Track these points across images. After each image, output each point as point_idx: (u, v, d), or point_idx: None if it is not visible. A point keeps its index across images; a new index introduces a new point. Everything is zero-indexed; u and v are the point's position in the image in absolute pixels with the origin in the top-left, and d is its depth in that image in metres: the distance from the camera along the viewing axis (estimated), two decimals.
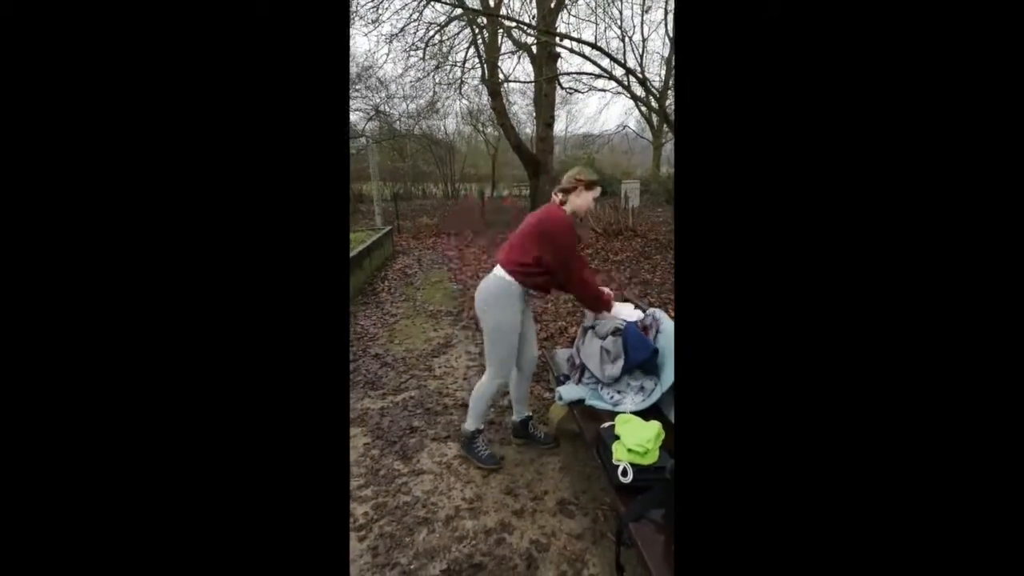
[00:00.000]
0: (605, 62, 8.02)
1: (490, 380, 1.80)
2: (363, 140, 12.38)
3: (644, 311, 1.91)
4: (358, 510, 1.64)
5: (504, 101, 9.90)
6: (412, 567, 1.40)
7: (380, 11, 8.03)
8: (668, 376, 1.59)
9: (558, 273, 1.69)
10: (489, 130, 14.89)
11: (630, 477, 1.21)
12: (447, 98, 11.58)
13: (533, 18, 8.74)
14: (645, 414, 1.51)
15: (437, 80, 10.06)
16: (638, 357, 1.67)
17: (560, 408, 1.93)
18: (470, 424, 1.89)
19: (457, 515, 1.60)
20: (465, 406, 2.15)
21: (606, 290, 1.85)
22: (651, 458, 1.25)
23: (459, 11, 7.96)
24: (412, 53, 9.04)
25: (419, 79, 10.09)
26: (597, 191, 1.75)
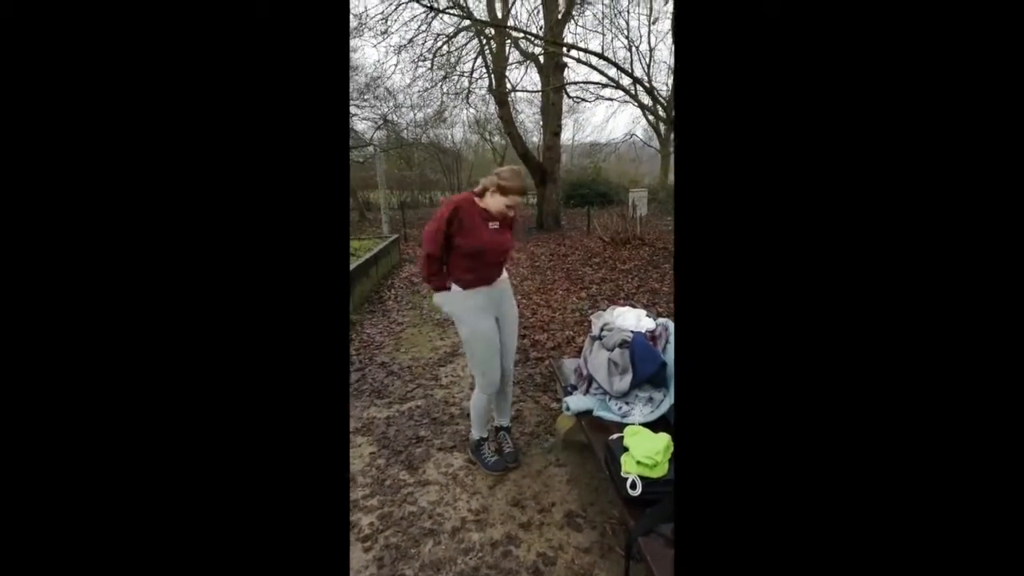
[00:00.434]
0: (612, 71, 8.07)
1: (478, 390, 1.83)
2: (371, 149, 12.50)
3: (655, 320, 1.89)
4: (363, 520, 1.63)
5: (511, 110, 9.98)
6: None
7: (389, 22, 8.17)
8: None
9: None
10: (496, 139, 15.00)
11: (639, 490, 1.20)
12: (454, 107, 11.71)
13: (540, 29, 8.83)
14: (654, 426, 1.49)
15: (445, 90, 10.19)
16: (646, 371, 1.65)
17: (568, 419, 1.91)
18: (474, 433, 1.93)
19: (463, 527, 1.59)
20: None
21: (440, 284, 1.72)
22: (660, 471, 1.23)
23: (467, 22, 8.06)
24: (420, 63, 9.17)
25: (427, 89, 10.23)
26: (512, 199, 1.64)
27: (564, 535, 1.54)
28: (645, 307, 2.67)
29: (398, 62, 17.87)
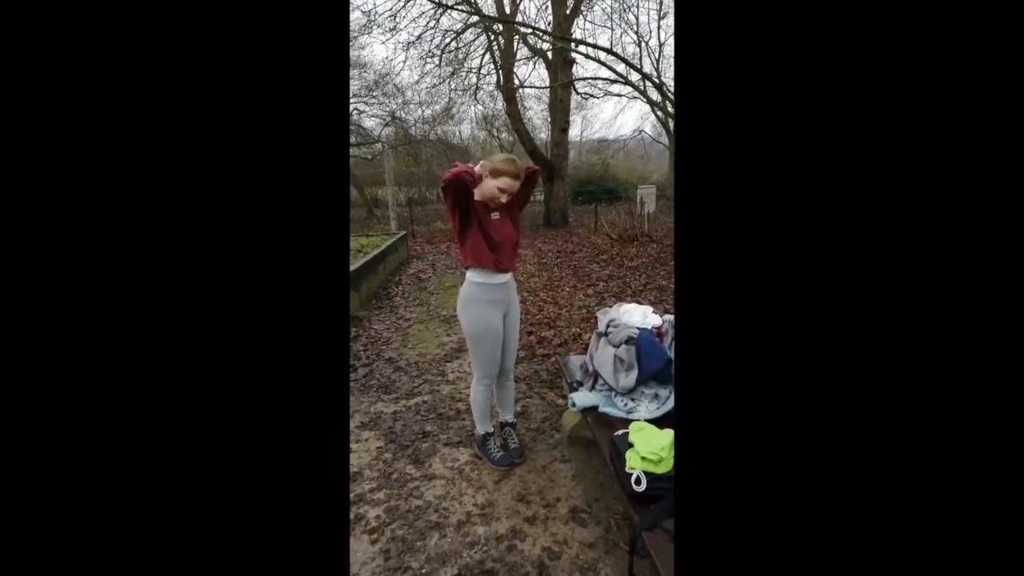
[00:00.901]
0: (621, 67, 8.01)
1: (476, 383, 1.86)
2: (379, 146, 12.54)
3: (661, 316, 1.89)
4: (370, 513, 1.65)
5: (519, 106, 9.95)
6: (423, 571, 1.40)
7: (398, 19, 8.17)
8: None
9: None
10: (504, 135, 14.96)
11: (644, 486, 1.20)
12: (462, 104, 11.69)
13: (549, 24, 8.78)
14: (660, 422, 1.49)
15: (453, 86, 10.18)
16: (652, 367, 1.65)
17: (573, 415, 1.92)
18: (479, 428, 1.94)
19: (469, 520, 1.60)
20: None
21: (463, 168, 1.55)
22: (665, 466, 1.23)
23: (475, 18, 8.04)
24: (428, 60, 9.17)
25: (435, 85, 10.24)
26: (503, 181, 1.60)
27: (569, 530, 1.54)
28: (652, 304, 2.66)
29: (406, 59, 17.87)
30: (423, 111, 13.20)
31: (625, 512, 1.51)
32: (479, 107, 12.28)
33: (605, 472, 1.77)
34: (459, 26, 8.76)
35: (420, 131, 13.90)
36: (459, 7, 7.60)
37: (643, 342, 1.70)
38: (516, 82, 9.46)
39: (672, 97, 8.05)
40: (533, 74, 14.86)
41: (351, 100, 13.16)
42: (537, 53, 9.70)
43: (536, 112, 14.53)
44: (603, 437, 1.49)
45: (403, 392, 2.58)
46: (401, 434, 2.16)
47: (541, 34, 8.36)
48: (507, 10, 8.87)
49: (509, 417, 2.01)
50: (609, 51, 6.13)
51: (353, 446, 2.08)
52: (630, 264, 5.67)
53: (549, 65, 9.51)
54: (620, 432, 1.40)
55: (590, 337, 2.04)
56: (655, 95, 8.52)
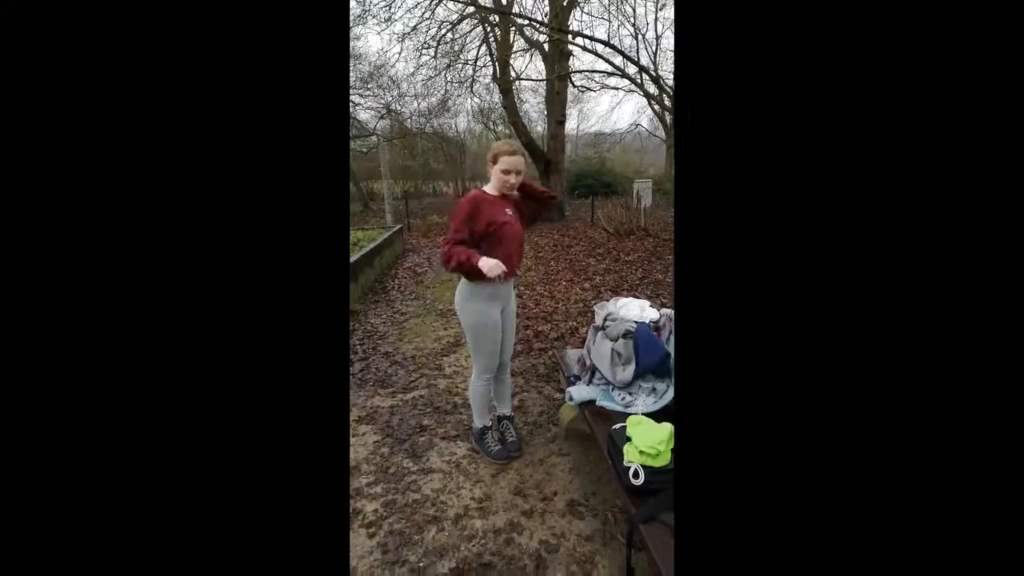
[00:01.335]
0: (618, 60, 7.96)
1: (476, 376, 1.85)
2: (374, 139, 12.46)
3: (658, 310, 1.89)
4: (368, 507, 1.65)
5: (515, 99, 9.89)
6: (421, 565, 1.40)
7: (393, 10, 8.08)
8: None
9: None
10: (500, 128, 14.88)
11: (641, 479, 1.20)
12: (458, 96, 11.60)
13: (545, 16, 8.71)
14: (657, 416, 1.50)
15: (448, 78, 10.10)
16: (649, 361, 1.65)
17: (571, 408, 1.92)
18: (477, 422, 1.94)
19: (466, 514, 1.60)
20: None
21: (468, 256, 1.53)
22: (663, 460, 1.23)
23: (471, 9, 7.96)
24: (424, 52, 9.08)
25: (431, 78, 10.14)
26: (503, 161, 1.58)
27: (566, 523, 1.55)
28: (649, 298, 2.66)
29: (402, 50, 17.72)
30: (419, 104, 13.10)
31: (623, 505, 1.52)
32: (475, 100, 12.21)
33: (602, 466, 1.77)
34: (455, 17, 8.67)
35: (416, 124, 13.80)
36: None
37: (640, 336, 1.70)
38: (512, 74, 9.40)
39: (669, 91, 8.03)
40: (530, 66, 14.84)
41: None
42: (534, 45, 9.63)
43: (532, 105, 14.47)
44: (600, 431, 1.49)
45: (400, 386, 2.58)
46: (398, 428, 2.16)
47: (538, 26, 8.30)
48: (503, 1, 8.79)
49: (506, 411, 2.01)
50: (606, 43, 6.10)
51: (350, 440, 2.07)
52: (627, 258, 5.67)
53: (546, 57, 9.45)
54: (618, 426, 1.40)
55: (587, 331, 2.04)
56: (652, 88, 8.50)
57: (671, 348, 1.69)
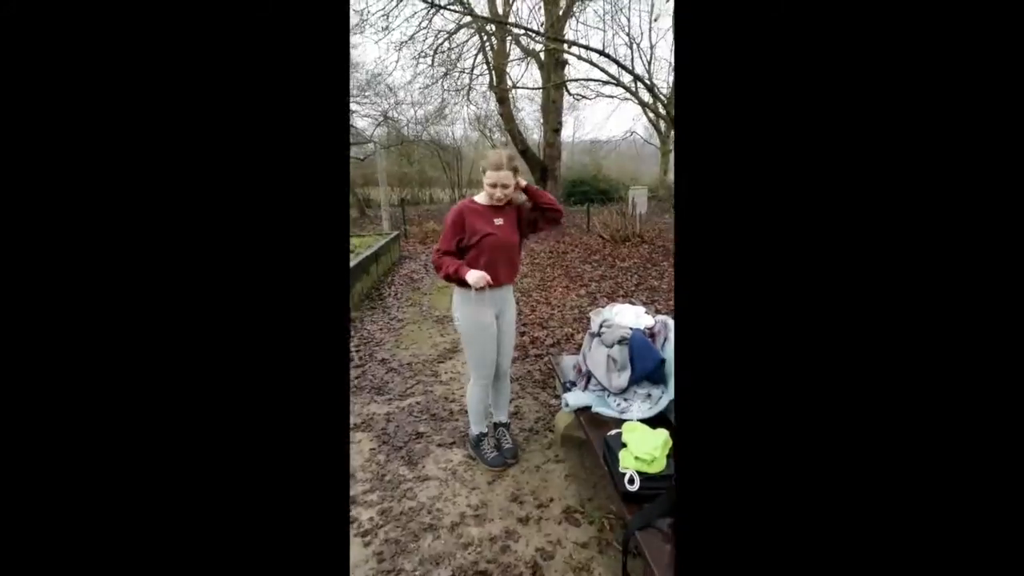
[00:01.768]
0: (613, 68, 8.04)
1: (473, 383, 1.86)
2: (371, 146, 12.47)
3: (653, 317, 1.90)
4: (363, 515, 1.64)
5: (511, 107, 9.96)
6: (417, 573, 1.40)
7: (390, 19, 8.14)
8: None
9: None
10: (496, 136, 14.95)
11: (637, 485, 1.21)
12: (455, 104, 11.67)
13: (541, 25, 8.80)
14: (652, 422, 1.50)
15: (445, 86, 10.16)
16: (644, 367, 1.66)
17: (566, 415, 1.92)
18: (473, 429, 1.94)
19: (462, 522, 1.60)
20: None
21: (456, 267, 1.64)
22: (658, 466, 1.24)
23: (468, 18, 8.04)
24: (421, 60, 9.14)
25: (428, 86, 10.20)
26: (489, 176, 1.62)
27: (562, 530, 1.55)
28: (644, 304, 2.67)
29: (399, 59, 17.82)
30: (416, 111, 13.17)
31: (618, 512, 1.52)
32: (472, 108, 12.29)
33: (598, 472, 1.77)
34: (452, 26, 8.75)
35: (413, 131, 13.85)
36: (452, 7, 7.60)
37: (636, 342, 1.71)
38: (509, 83, 9.47)
39: (663, 99, 8.11)
40: (526, 75, 14.91)
41: None
42: (530, 54, 9.72)
43: (528, 113, 14.57)
44: (596, 437, 1.50)
45: (396, 393, 2.57)
46: (394, 435, 2.15)
47: (534, 35, 8.38)
48: (500, 11, 8.88)
49: (503, 418, 2.01)
50: (601, 52, 6.17)
51: None
52: (622, 264, 5.70)
53: (542, 66, 9.53)
54: (613, 432, 1.41)
55: (583, 337, 2.04)
56: (646, 96, 8.58)
57: (666, 354, 1.70)
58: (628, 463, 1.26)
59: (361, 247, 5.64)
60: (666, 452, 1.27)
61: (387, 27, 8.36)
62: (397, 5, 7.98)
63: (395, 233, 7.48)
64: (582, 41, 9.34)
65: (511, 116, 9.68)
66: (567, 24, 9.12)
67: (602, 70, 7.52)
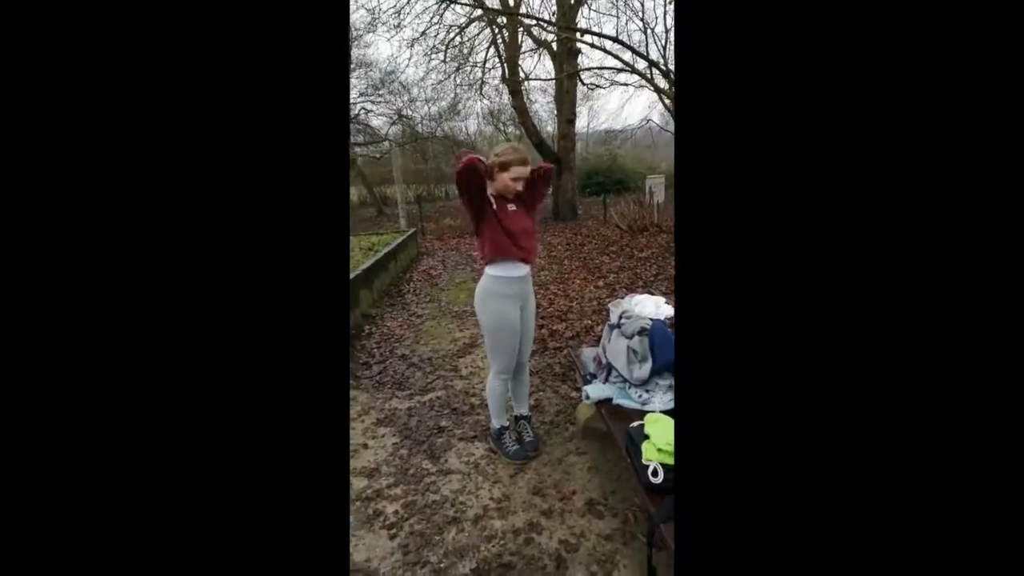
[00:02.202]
0: (627, 55, 7.90)
1: (493, 376, 1.85)
2: (387, 144, 12.57)
3: (673, 307, 1.87)
4: (388, 508, 1.66)
5: (525, 99, 9.88)
6: (442, 565, 1.41)
7: (402, 16, 8.16)
8: None
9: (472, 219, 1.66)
10: (510, 129, 14.89)
11: (661, 477, 1.19)
12: (468, 99, 11.65)
13: (553, 15, 8.70)
14: (674, 413, 1.48)
15: (458, 81, 10.15)
16: (665, 358, 1.63)
17: (587, 407, 1.91)
18: (494, 422, 1.94)
19: (485, 514, 1.61)
20: None
21: (465, 159, 1.54)
22: None
23: (479, 11, 7.99)
24: (433, 56, 9.14)
25: (440, 81, 10.21)
26: (514, 171, 1.60)
27: (586, 523, 1.54)
28: (664, 294, 2.64)
29: (411, 55, 17.86)
30: (429, 108, 13.21)
31: (642, 504, 1.51)
32: (485, 102, 12.23)
33: (620, 464, 1.76)
34: (463, 20, 8.71)
35: (427, 128, 13.91)
36: (462, 1, 7.56)
37: (656, 333, 1.68)
38: (521, 75, 9.40)
39: None
40: (538, 66, 14.73)
41: (358, 99, 13.22)
42: (542, 45, 9.62)
43: (542, 104, 14.43)
44: (618, 429, 1.48)
45: (417, 388, 2.60)
46: (416, 430, 2.17)
47: (545, 25, 8.28)
48: (511, 2, 8.80)
49: (524, 411, 2.02)
50: (615, 39, 6.06)
51: (370, 442, 2.10)
52: (640, 255, 5.63)
53: (554, 56, 9.43)
54: (635, 424, 1.39)
55: (602, 329, 2.02)
56: (662, 83, 8.40)
57: None
58: (651, 455, 1.24)
59: (380, 245, 5.71)
60: None
61: (399, 24, 8.40)
62: (409, 2, 7.99)
63: (412, 230, 7.54)
64: (595, 29, 9.20)
65: (525, 109, 9.61)
66: (579, 12, 8.99)
67: (616, 57, 7.39)
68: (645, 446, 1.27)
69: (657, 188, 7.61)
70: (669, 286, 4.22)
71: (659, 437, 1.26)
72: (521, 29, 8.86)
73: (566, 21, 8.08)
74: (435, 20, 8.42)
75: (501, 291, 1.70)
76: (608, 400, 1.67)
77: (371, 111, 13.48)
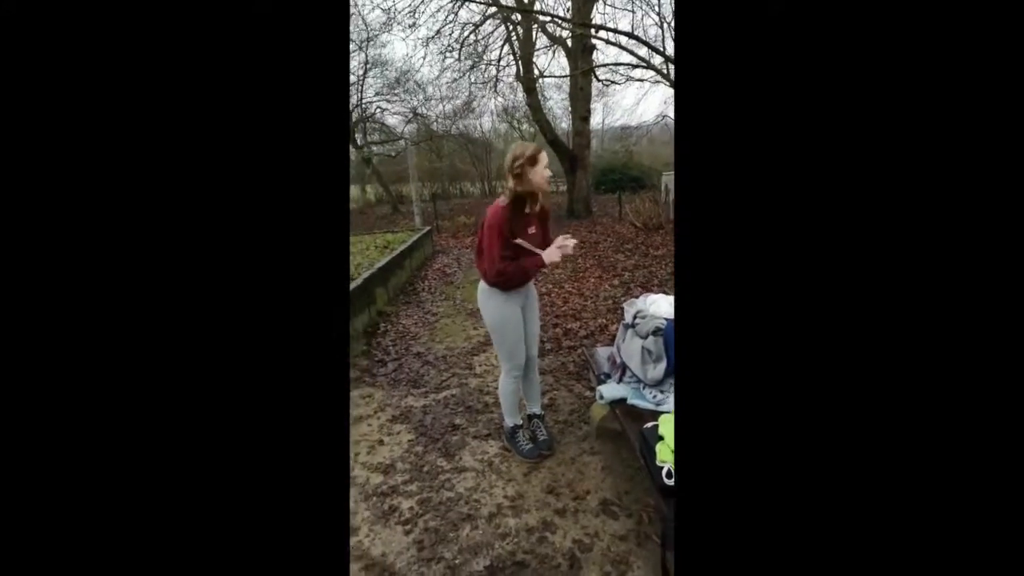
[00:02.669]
0: (643, 51, 7.81)
1: (504, 374, 1.88)
2: (402, 143, 12.65)
3: None
4: (404, 504, 1.69)
5: (539, 97, 9.85)
6: (457, 562, 1.43)
7: (417, 15, 8.19)
8: None
9: (483, 254, 1.67)
10: (525, 127, 14.84)
11: (675, 479, 1.18)
12: (483, 97, 11.66)
13: (567, 11, 8.64)
14: None
15: (473, 79, 10.16)
16: None
17: (601, 407, 1.91)
18: (508, 421, 1.95)
19: (499, 512, 1.62)
20: None
21: (523, 268, 1.66)
22: None
23: (493, 9, 7.97)
24: (448, 54, 9.16)
25: (455, 80, 10.23)
26: (542, 158, 1.61)
27: (600, 523, 1.54)
28: None
29: (426, 54, 17.95)
30: (444, 106, 13.25)
31: (656, 505, 1.50)
32: (499, 99, 12.24)
33: (635, 464, 1.75)
34: (478, 18, 8.71)
35: (442, 126, 13.97)
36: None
37: (670, 333, 1.67)
38: (536, 72, 9.36)
39: None
40: (553, 63, 14.70)
41: (373, 99, 13.33)
42: (556, 41, 9.56)
43: (556, 102, 14.36)
44: (632, 429, 1.48)
45: (432, 386, 2.62)
46: (431, 427, 2.20)
47: (560, 21, 8.23)
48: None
49: (537, 409, 2.02)
50: (630, 35, 5.99)
51: (385, 439, 2.13)
52: (655, 253, 5.57)
53: (569, 53, 9.36)
54: (649, 424, 1.39)
55: (617, 328, 2.01)
56: None
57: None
58: (665, 456, 1.24)
59: (395, 243, 5.76)
60: None
61: (414, 23, 8.41)
62: (424, 1, 8.02)
63: (427, 228, 7.59)
64: (610, 24, 9.12)
65: (539, 106, 9.57)
66: (594, 8, 8.90)
67: (631, 53, 7.31)
68: (659, 447, 1.26)
69: (673, 185, 7.52)
70: None
71: (673, 438, 1.25)
72: (535, 26, 8.82)
73: (581, 17, 8.02)
74: (450, 18, 8.44)
75: (499, 293, 1.73)
76: (622, 400, 1.67)
77: (386, 110, 13.60)
